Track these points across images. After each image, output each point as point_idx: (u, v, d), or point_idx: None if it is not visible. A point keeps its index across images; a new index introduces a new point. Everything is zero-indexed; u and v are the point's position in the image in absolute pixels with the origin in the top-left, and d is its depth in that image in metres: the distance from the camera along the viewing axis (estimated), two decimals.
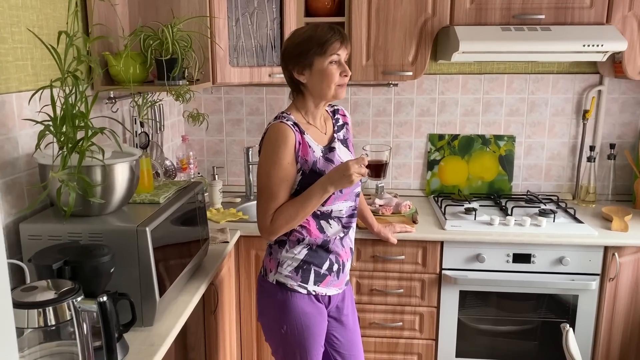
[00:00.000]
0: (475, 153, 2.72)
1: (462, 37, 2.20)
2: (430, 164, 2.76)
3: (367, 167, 1.55)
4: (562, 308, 2.26)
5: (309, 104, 1.66)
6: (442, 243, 2.25)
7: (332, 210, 1.67)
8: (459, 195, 2.68)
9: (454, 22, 2.31)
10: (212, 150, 2.87)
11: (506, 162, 2.72)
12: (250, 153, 2.71)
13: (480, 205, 2.51)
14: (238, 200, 2.70)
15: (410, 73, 2.37)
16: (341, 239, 1.71)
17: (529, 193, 2.69)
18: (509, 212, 2.39)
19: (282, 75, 1.68)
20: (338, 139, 1.72)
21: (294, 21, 2.35)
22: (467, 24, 2.30)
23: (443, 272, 2.26)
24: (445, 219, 2.33)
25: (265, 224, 1.61)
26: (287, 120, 1.60)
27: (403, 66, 2.37)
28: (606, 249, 2.18)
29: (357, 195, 1.75)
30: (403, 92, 2.72)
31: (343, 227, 1.71)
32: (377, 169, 1.84)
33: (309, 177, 1.61)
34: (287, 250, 1.67)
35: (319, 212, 1.65)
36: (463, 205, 2.49)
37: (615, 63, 2.43)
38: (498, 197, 2.67)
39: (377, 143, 2.74)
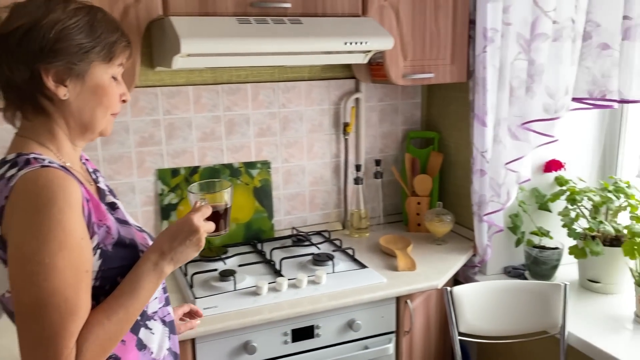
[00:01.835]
0: None
1: (183, 33, 1.48)
2: (165, 211, 1.98)
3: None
4: None
5: (62, 137, 0.99)
6: (193, 341, 1.51)
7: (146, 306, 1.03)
8: (209, 249, 1.96)
9: (169, 12, 1.57)
10: None
11: (263, 195, 2.11)
12: None
13: (240, 264, 1.84)
14: None
15: None
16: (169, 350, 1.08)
17: (295, 231, 2.14)
18: (278, 266, 1.78)
19: None
20: (108, 191, 1.11)
21: None
22: (189, 14, 1.59)
23: None
24: (195, 297, 1.60)
25: None
26: (49, 163, 0.92)
27: None
28: (398, 298, 1.74)
29: None
30: None
31: (166, 325, 1.09)
32: (217, 219, 1.10)
33: (115, 259, 0.97)
34: None
35: None
36: (216, 269, 1.79)
37: (372, 65, 2.03)
38: (260, 242, 2.04)
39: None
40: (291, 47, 1.58)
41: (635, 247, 1.69)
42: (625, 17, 1.31)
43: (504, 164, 1.81)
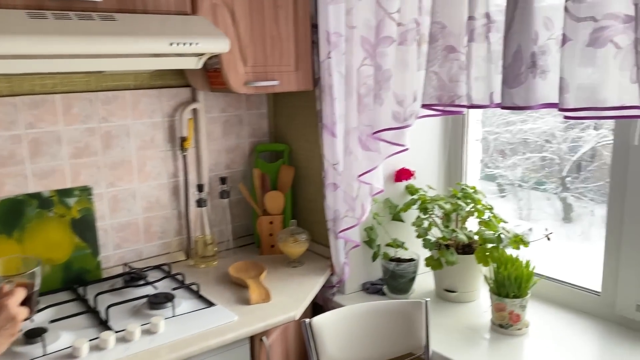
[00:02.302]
0: (31, 224, 1.65)
1: None
2: None
3: None
4: None
5: None
6: None
7: None
8: None
9: None
10: None
11: (84, 227, 1.75)
12: None
13: (52, 320, 1.47)
14: None
15: None
16: None
17: (127, 268, 1.82)
18: (104, 316, 1.46)
19: None
20: None
21: None
22: None
23: None
24: None
25: None
26: None
27: None
28: (252, 336, 1.52)
29: None
30: None
31: None
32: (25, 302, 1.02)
33: None
34: None
35: None
36: (20, 329, 1.40)
37: (209, 71, 1.80)
38: (83, 286, 1.68)
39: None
40: (101, 47, 1.28)
41: (487, 253, 1.68)
42: (470, 18, 1.25)
43: (357, 176, 1.69)
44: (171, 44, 1.38)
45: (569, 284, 1.71)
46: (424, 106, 1.39)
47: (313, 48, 1.78)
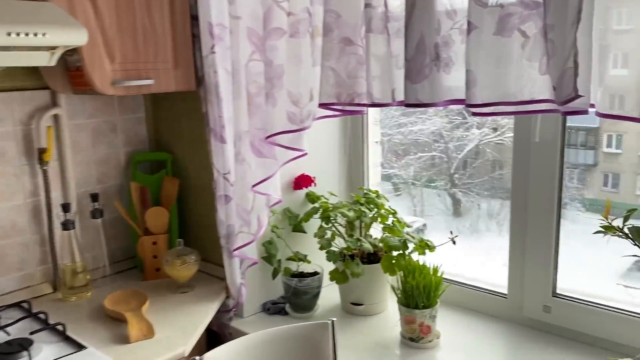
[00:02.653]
0: None
1: None
2: None
3: None
4: None
5: None
6: None
7: None
8: None
9: None
10: None
11: None
12: None
13: None
14: None
15: None
16: None
17: None
18: None
19: None
20: None
21: None
22: None
23: None
24: None
25: None
26: None
27: None
28: None
29: None
30: None
31: None
32: None
33: None
34: None
35: None
36: None
37: (71, 70, 1.52)
38: None
39: None
40: None
41: (394, 261, 1.57)
42: (367, 6, 1.12)
43: (251, 186, 1.51)
44: (10, 34, 1.11)
45: (477, 287, 1.65)
46: (322, 106, 1.25)
47: (194, 42, 1.57)
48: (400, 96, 1.12)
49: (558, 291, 1.48)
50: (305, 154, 1.47)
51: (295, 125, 1.36)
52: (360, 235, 1.70)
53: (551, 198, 1.42)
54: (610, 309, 1.36)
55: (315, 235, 1.67)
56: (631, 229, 0.92)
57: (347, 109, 1.25)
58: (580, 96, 0.84)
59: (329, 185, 1.85)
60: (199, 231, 1.84)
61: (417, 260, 1.53)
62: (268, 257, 1.69)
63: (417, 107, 1.05)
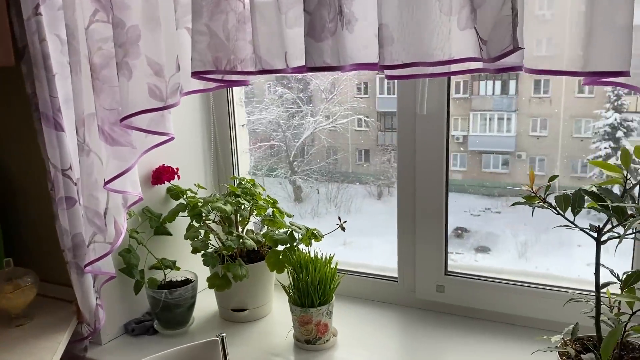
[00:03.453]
0: None
1: None
2: None
3: None
4: None
5: None
6: None
7: None
8: None
9: None
10: None
11: None
12: None
13: None
14: None
15: None
16: None
17: None
18: None
19: None
20: None
21: None
22: None
23: None
24: None
25: None
26: None
27: None
28: None
29: None
30: None
31: None
32: None
33: None
34: None
35: None
36: None
37: None
38: None
39: None
40: None
41: (282, 257, 1.39)
42: None
43: (103, 183, 1.20)
44: None
45: (368, 274, 1.55)
46: (195, 75, 1.00)
47: (9, 3, 1.21)
48: (294, 61, 0.94)
49: (449, 269, 1.43)
50: (172, 138, 1.21)
51: (159, 102, 1.09)
52: (238, 232, 1.49)
53: (440, 173, 1.36)
54: (506, 281, 1.35)
55: (186, 237, 1.42)
56: (558, 197, 0.86)
57: (228, 78, 1.03)
58: (521, 48, 0.74)
59: (195, 177, 1.61)
60: (33, 246, 1.47)
61: (308, 253, 1.37)
62: (127, 268, 1.39)
63: (322, 70, 0.87)
